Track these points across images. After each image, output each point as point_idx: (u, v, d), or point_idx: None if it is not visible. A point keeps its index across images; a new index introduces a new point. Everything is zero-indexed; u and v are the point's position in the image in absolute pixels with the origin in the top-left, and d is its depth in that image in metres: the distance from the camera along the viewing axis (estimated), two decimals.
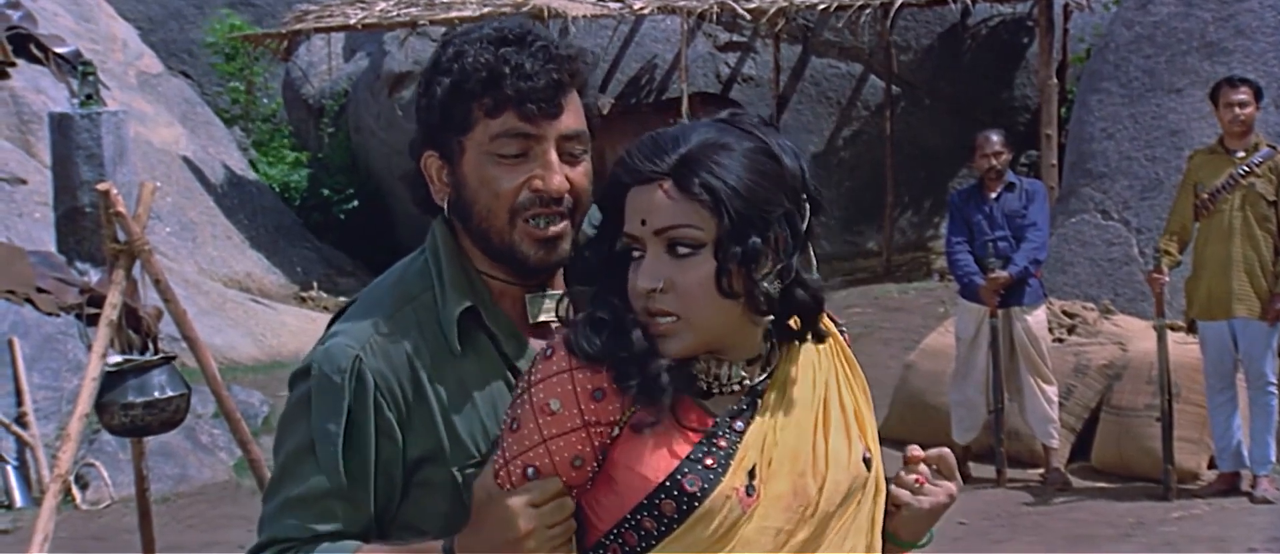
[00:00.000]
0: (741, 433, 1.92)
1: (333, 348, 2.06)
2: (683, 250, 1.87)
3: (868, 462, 1.99)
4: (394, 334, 2.05)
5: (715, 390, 1.94)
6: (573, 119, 2.06)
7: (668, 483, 1.89)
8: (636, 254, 1.91)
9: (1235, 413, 7.67)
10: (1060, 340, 8.62)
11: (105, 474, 8.64)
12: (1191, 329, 7.86)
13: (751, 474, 1.90)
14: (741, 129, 1.92)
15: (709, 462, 1.90)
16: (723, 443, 1.91)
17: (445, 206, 2.10)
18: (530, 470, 1.91)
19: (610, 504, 1.93)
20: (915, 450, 2.07)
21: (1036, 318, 8.14)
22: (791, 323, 1.97)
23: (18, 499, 8.53)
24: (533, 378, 1.93)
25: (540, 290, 2.12)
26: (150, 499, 5.91)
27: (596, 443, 1.91)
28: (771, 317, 1.94)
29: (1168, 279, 7.76)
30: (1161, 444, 7.70)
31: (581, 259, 2.01)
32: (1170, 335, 7.96)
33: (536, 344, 2.09)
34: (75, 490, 8.49)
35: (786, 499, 1.91)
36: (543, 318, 2.11)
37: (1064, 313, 8.93)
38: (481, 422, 2.04)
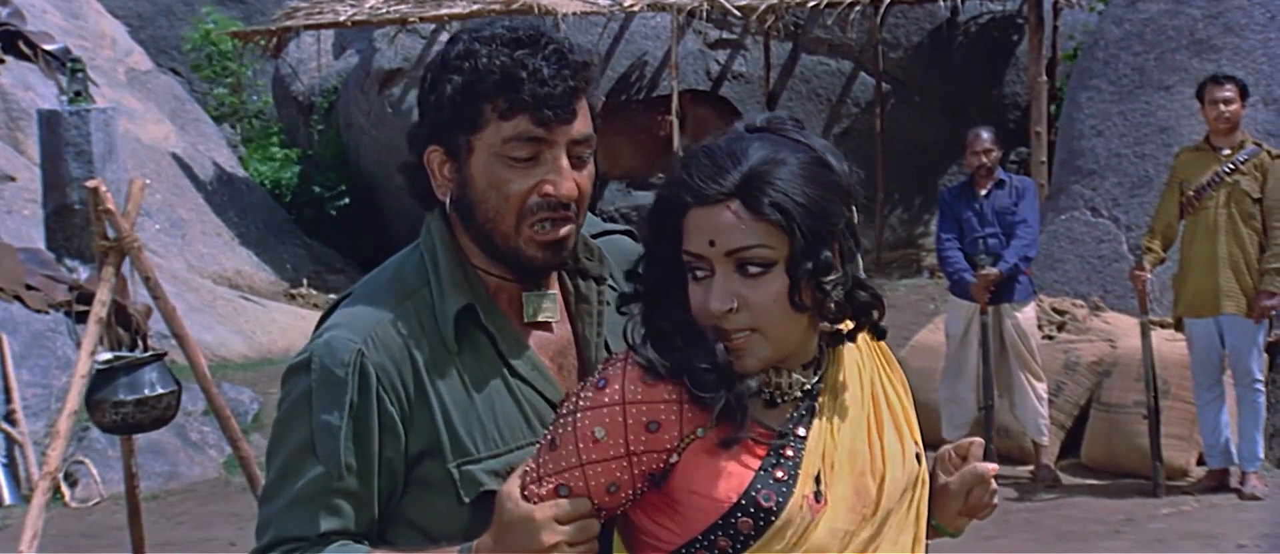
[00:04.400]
0: (804, 439, 1.93)
1: (334, 341, 2.04)
2: (754, 270, 1.87)
3: (918, 456, 2.02)
4: (395, 328, 2.04)
5: (779, 400, 1.94)
6: (583, 124, 2.06)
7: (743, 500, 1.89)
8: (700, 273, 1.90)
9: (1223, 410, 7.68)
10: (1050, 337, 8.63)
11: (95, 472, 8.62)
12: (1179, 326, 7.88)
13: (817, 480, 1.91)
14: (789, 138, 1.92)
15: (779, 474, 1.91)
16: (789, 453, 1.92)
17: (447, 202, 2.09)
18: (562, 489, 1.92)
19: (676, 528, 1.93)
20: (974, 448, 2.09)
21: (1026, 315, 8.15)
22: (843, 324, 1.98)
23: (6, 497, 8.51)
24: (580, 404, 1.92)
25: (536, 289, 2.11)
26: (140, 496, 5.90)
27: (638, 471, 1.91)
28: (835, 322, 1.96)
29: (1151, 276, 7.78)
30: (1149, 440, 7.71)
31: (640, 281, 2.00)
32: (1160, 332, 7.98)
33: (533, 341, 2.09)
34: (64, 488, 8.48)
35: (850, 500, 1.93)
36: (541, 317, 2.11)
37: (1054, 310, 8.94)
38: (479, 419, 2.04)
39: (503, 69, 2.00)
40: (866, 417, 1.98)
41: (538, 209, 2.03)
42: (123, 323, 8.16)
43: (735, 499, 1.89)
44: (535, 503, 1.92)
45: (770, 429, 1.93)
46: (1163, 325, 8.21)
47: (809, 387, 1.96)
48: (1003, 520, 7.44)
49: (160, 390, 5.52)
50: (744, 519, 1.89)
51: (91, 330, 5.64)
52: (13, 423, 8.80)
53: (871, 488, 1.95)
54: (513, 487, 1.94)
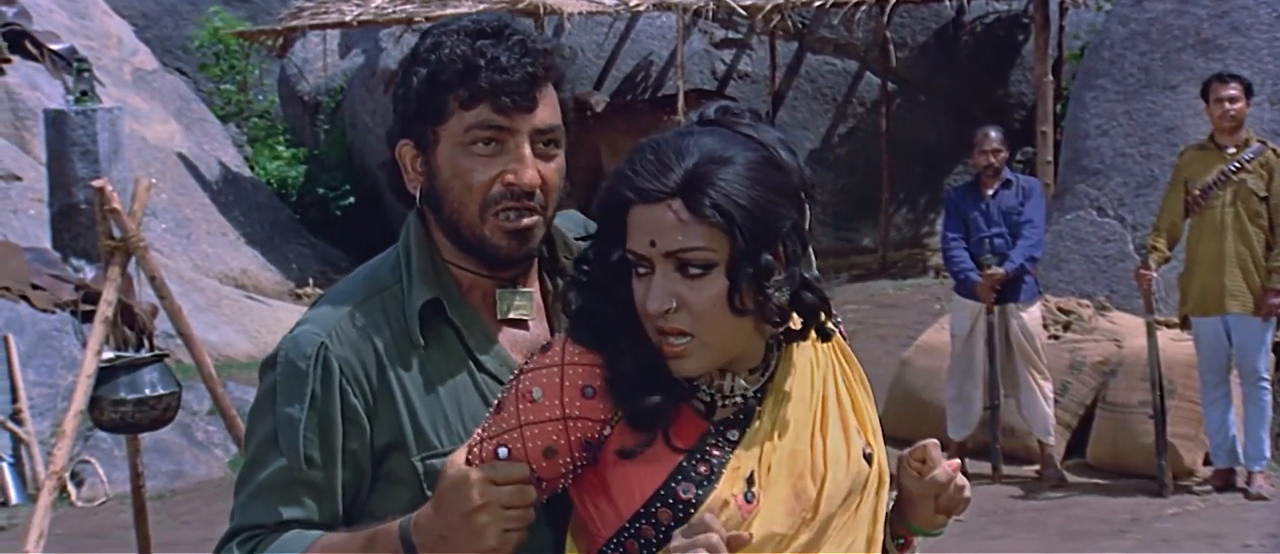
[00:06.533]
0: (735, 442, 1.91)
1: (299, 336, 2.06)
2: (694, 271, 1.85)
3: (868, 457, 1.97)
4: (361, 323, 2.06)
5: (719, 404, 1.93)
6: (548, 113, 2.06)
7: (662, 491, 1.88)
8: (642, 271, 1.88)
9: (1230, 409, 7.67)
10: (1056, 337, 8.62)
11: (101, 471, 8.63)
12: (1185, 325, 7.87)
13: (750, 481, 1.89)
14: (741, 134, 1.89)
15: (702, 469, 1.89)
16: (716, 451, 1.90)
17: (418, 196, 2.11)
18: (501, 451, 1.90)
19: (609, 512, 1.93)
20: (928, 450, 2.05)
21: (1031, 314, 8.15)
22: (793, 324, 1.95)
23: (13, 496, 8.53)
24: (526, 366, 1.93)
25: (511, 285, 2.11)
26: (146, 496, 5.91)
27: (574, 437, 1.90)
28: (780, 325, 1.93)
29: (1156, 275, 7.77)
30: (1155, 440, 7.70)
31: (582, 271, 1.98)
32: (1165, 332, 7.97)
33: (505, 338, 2.10)
34: (70, 487, 8.48)
35: (788, 502, 1.90)
36: (512, 314, 2.11)
37: (1059, 309, 8.93)
38: (444, 413, 2.04)
39: (463, 58, 2.01)
40: (813, 417, 1.95)
41: (501, 198, 2.04)
42: (128, 322, 8.16)
43: (654, 490, 1.88)
44: (473, 465, 1.91)
45: (706, 420, 1.91)
46: (1168, 325, 8.20)
47: (753, 391, 1.94)
48: (1008, 520, 7.44)
49: (160, 391, 5.53)
50: (663, 510, 1.88)
51: (97, 330, 5.65)
52: (19, 422, 8.81)
53: (811, 491, 1.91)
54: (458, 454, 1.93)
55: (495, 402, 1.95)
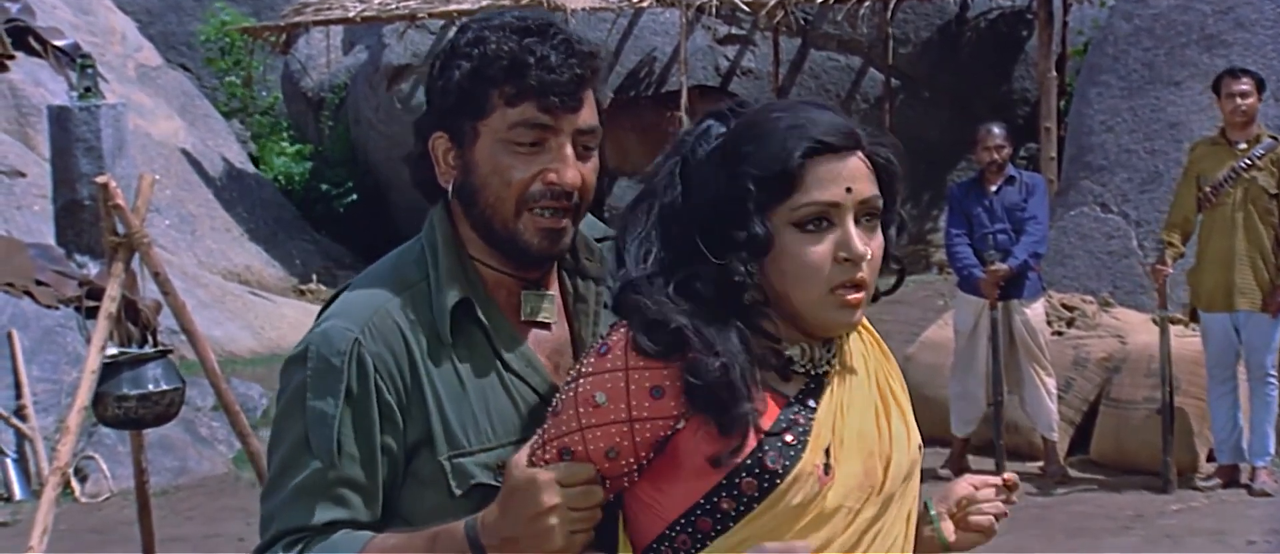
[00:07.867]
0: (815, 410, 1.95)
1: (330, 331, 2.04)
2: (870, 222, 1.95)
3: (919, 446, 2.07)
4: (392, 319, 2.04)
5: (806, 371, 1.97)
6: (589, 114, 2.07)
7: (749, 461, 1.90)
8: (816, 227, 1.92)
9: (1236, 405, 7.67)
10: (1059, 333, 8.62)
11: (104, 467, 8.64)
12: (1193, 317, 7.87)
13: (827, 453, 1.93)
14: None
15: (789, 437, 1.92)
16: (800, 419, 1.93)
17: (450, 189, 2.10)
18: (565, 453, 1.92)
19: (679, 492, 1.93)
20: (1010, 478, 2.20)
21: (1035, 311, 8.14)
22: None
23: (17, 492, 8.53)
24: (584, 370, 1.93)
25: (535, 287, 2.12)
26: (150, 492, 5.91)
27: (640, 438, 1.91)
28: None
29: (1171, 271, 7.77)
30: (1161, 437, 7.70)
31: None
32: (1171, 328, 7.97)
33: (530, 339, 2.10)
34: (74, 483, 8.49)
35: (859, 478, 1.95)
36: (539, 317, 2.11)
37: (1063, 306, 8.92)
38: (472, 412, 2.04)
39: (511, 55, 2.01)
40: (875, 401, 2.01)
41: (540, 197, 2.04)
42: (132, 318, 8.16)
43: (739, 460, 1.90)
44: (539, 467, 1.91)
45: (780, 394, 1.94)
46: (1173, 321, 8.20)
47: (825, 365, 1.98)
48: (1011, 516, 7.41)
49: (164, 387, 5.53)
50: (748, 480, 1.90)
51: (101, 326, 5.65)
52: (23, 418, 8.82)
53: (878, 469, 1.97)
54: (521, 455, 1.94)
55: (555, 402, 1.96)
